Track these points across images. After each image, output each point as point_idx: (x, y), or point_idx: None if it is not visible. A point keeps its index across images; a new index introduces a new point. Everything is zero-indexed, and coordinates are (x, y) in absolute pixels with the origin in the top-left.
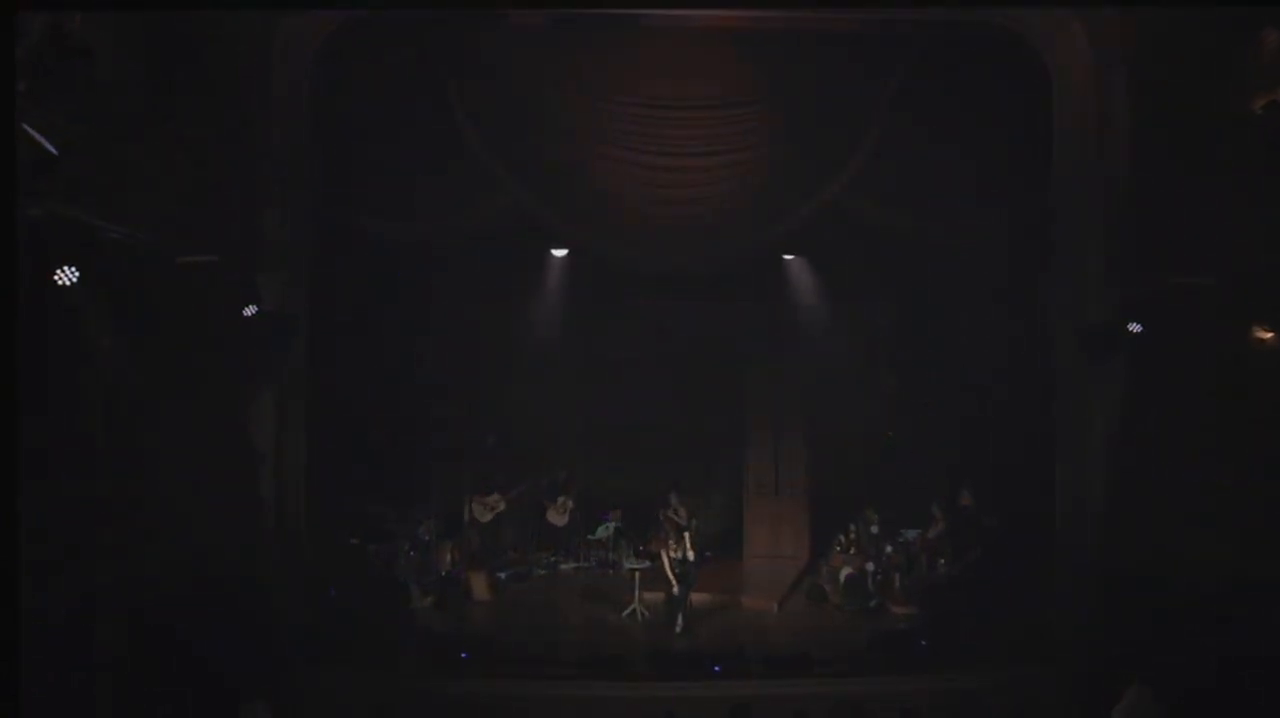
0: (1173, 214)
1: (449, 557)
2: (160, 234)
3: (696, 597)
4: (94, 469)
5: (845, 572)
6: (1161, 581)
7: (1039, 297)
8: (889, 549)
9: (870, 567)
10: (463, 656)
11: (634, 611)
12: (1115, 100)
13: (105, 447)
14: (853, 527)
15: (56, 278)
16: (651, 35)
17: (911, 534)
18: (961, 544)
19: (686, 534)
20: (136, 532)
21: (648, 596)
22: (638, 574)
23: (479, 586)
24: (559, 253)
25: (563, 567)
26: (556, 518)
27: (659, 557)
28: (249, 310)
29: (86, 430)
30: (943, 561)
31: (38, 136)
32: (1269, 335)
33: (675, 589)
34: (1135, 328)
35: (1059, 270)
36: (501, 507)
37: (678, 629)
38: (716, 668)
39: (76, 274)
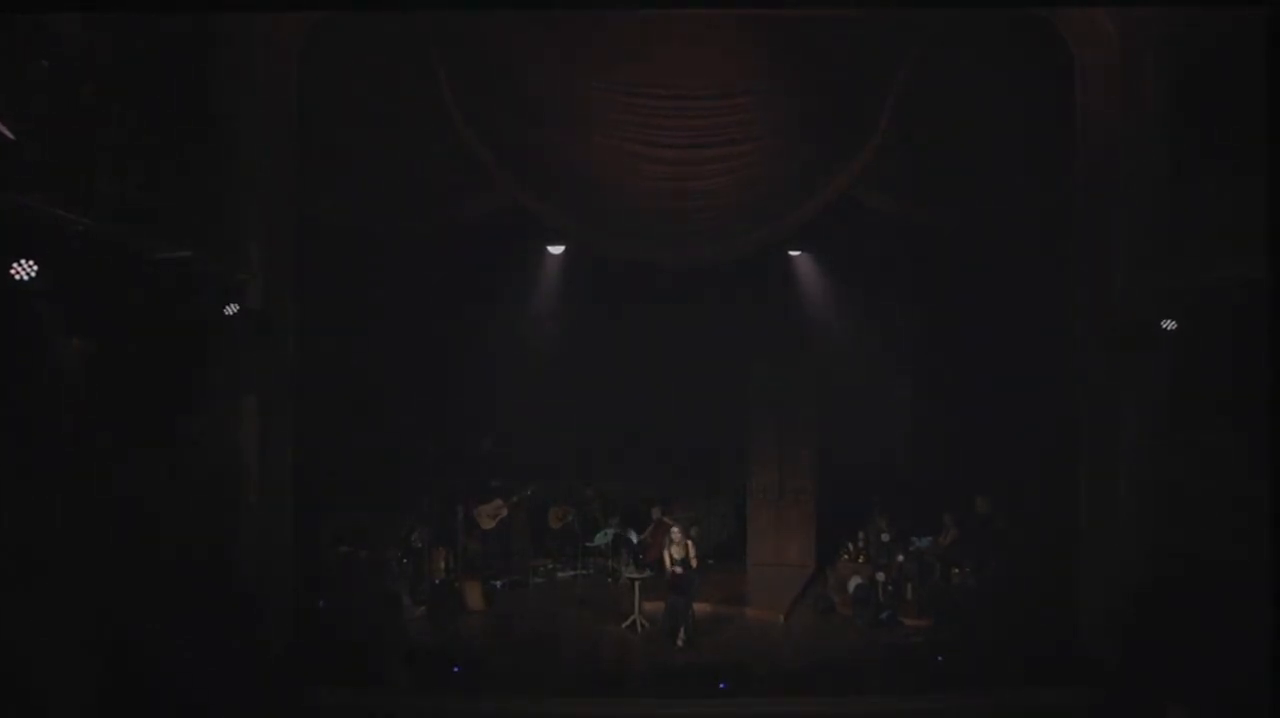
0: (1206, 204)
1: (442, 564)
2: (131, 227)
3: (699, 607)
4: (57, 478)
5: (854, 582)
6: (1195, 593)
7: (1063, 292)
8: (900, 558)
9: (880, 576)
10: (454, 670)
11: (634, 622)
12: (1143, 84)
13: (71, 453)
14: (861, 534)
15: (14, 271)
16: (652, 21)
17: (924, 542)
18: (979, 553)
19: (690, 543)
20: (107, 544)
21: (648, 606)
22: (637, 584)
23: (473, 595)
24: (555, 249)
25: (560, 575)
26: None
27: (662, 564)
28: (230, 309)
29: (48, 436)
30: (958, 570)
31: None
32: None
33: (671, 596)
34: (1168, 325)
35: (1085, 264)
36: (504, 513)
37: (679, 643)
38: (723, 685)
39: (36, 268)
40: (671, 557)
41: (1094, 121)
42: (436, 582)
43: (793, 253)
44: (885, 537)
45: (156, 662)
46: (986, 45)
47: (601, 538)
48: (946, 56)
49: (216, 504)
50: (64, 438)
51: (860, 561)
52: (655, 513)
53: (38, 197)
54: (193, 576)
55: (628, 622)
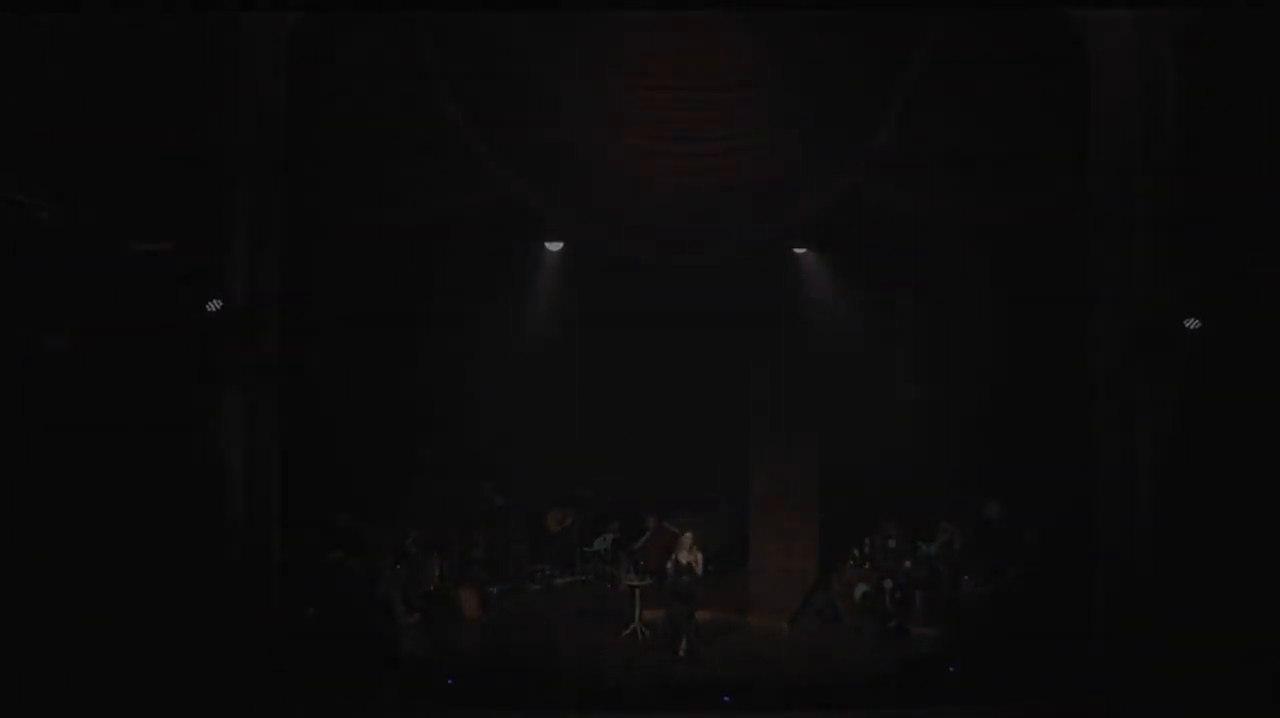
0: (1229, 197)
1: (437, 570)
2: (103, 215)
3: (700, 614)
4: (27, 484)
5: (860, 589)
6: (1217, 604)
7: (1080, 290)
8: (907, 564)
9: (888, 584)
10: (449, 681)
11: (634, 630)
12: (1161, 71)
13: (40, 459)
14: (867, 540)
15: None
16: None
17: (931, 548)
18: (990, 561)
19: (693, 549)
20: (83, 553)
21: (648, 614)
22: (638, 591)
23: (469, 601)
24: (553, 246)
25: (558, 581)
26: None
27: (662, 571)
28: (213, 305)
29: (14, 439)
30: (967, 577)
31: None
32: None
33: (672, 604)
34: (1191, 324)
35: (1103, 261)
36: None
37: (680, 652)
38: (726, 698)
39: None
40: (678, 562)
41: (1110, 119)
42: (431, 588)
43: (797, 250)
44: (891, 543)
45: (140, 671)
46: (999, 41)
47: (600, 543)
48: (959, 52)
49: (200, 509)
50: (31, 442)
51: (866, 567)
52: (651, 522)
53: None
54: (175, 584)
55: (627, 630)
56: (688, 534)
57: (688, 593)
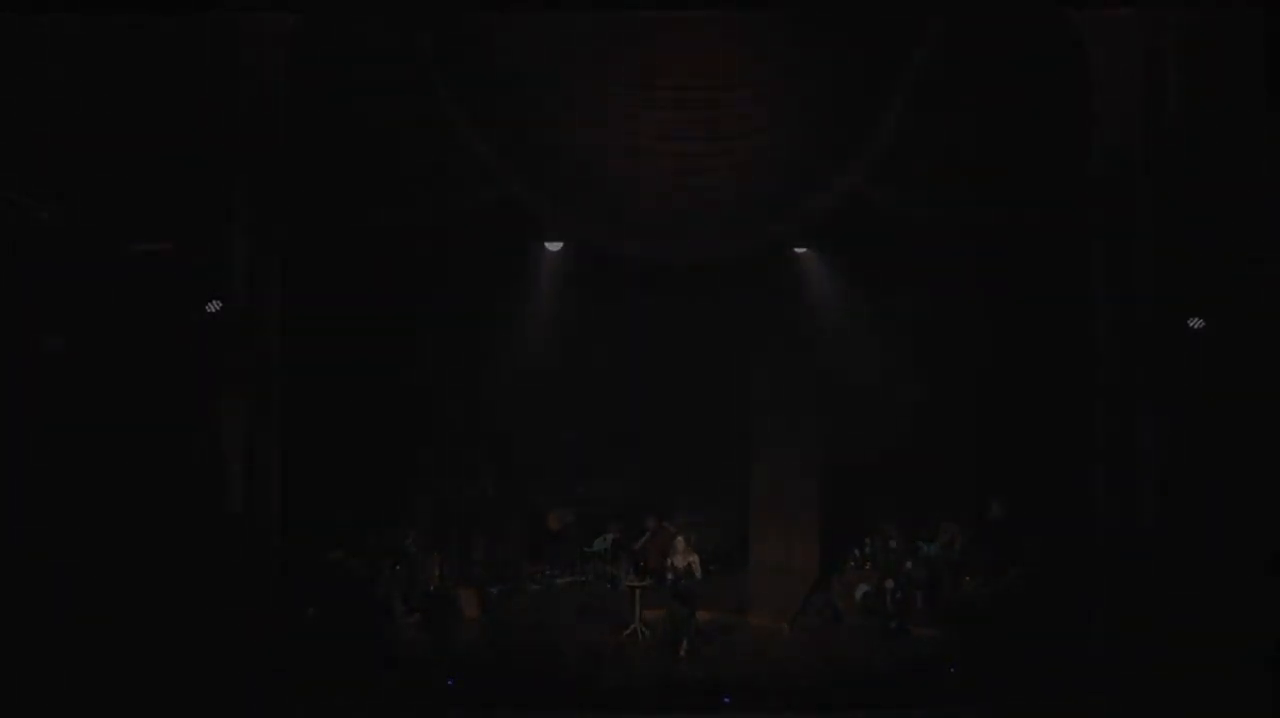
0: (1229, 197)
1: (437, 570)
2: (103, 215)
3: (700, 614)
4: (27, 484)
5: (861, 589)
6: (1217, 604)
7: (1080, 290)
8: (908, 565)
9: (890, 584)
10: (449, 681)
11: (634, 631)
12: (1161, 71)
13: (40, 459)
14: (868, 540)
15: None
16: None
17: (932, 549)
18: (991, 561)
19: (695, 555)
20: (81, 552)
21: (649, 614)
22: (638, 592)
23: (469, 602)
24: (553, 246)
25: (558, 581)
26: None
27: (662, 572)
28: (213, 305)
29: (11, 440)
30: (968, 578)
31: None
32: None
33: (673, 604)
34: (1194, 323)
35: (1105, 260)
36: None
37: (681, 653)
38: (726, 698)
39: None
40: (674, 566)
41: (1110, 119)
42: (431, 588)
43: (798, 249)
44: (892, 543)
45: (140, 671)
46: (999, 41)
47: (600, 543)
48: (958, 52)
49: (200, 509)
50: (31, 442)
51: (866, 567)
52: (650, 523)
53: None
54: (176, 584)
55: (627, 631)
56: (680, 538)
57: (688, 593)
